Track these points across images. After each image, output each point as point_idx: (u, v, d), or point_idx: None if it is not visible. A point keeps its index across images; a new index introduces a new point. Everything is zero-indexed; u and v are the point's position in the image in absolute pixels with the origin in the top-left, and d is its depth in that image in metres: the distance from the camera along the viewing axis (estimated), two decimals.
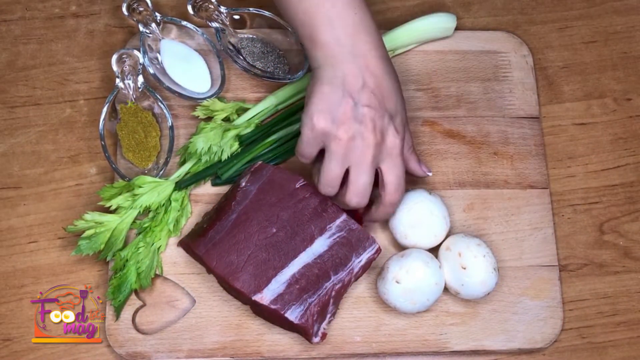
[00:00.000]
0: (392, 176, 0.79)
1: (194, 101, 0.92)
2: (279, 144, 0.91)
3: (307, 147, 0.79)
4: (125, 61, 0.90)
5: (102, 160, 0.91)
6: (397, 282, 0.81)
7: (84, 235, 0.84)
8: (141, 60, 0.90)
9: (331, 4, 0.76)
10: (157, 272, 0.86)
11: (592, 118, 0.96)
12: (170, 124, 0.89)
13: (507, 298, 0.87)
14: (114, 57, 0.90)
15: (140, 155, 0.89)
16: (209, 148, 0.88)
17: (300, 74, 0.93)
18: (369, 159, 0.77)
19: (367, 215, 0.85)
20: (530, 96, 0.96)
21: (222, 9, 0.94)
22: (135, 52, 0.90)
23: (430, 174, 0.86)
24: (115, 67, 0.90)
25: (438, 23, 0.95)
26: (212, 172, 0.90)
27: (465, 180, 0.92)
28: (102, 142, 0.88)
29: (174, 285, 0.87)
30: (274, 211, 0.83)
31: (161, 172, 0.89)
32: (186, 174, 0.89)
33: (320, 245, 0.83)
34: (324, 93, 0.76)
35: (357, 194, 0.78)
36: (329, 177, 0.78)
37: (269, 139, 0.91)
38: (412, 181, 0.91)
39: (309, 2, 0.76)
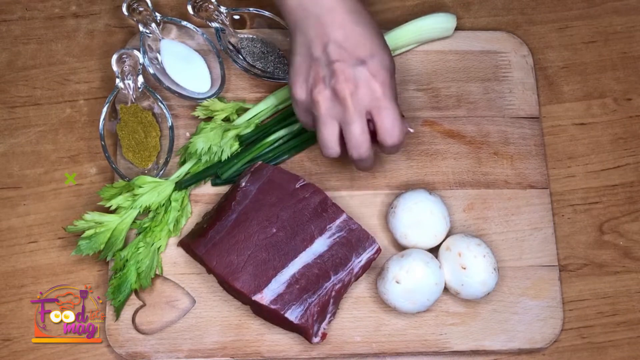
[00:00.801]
0: (381, 119, 0.78)
1: (194, 101, 0.92)
2: (279, 144, 0.91)
3: (301, 118, 0.82)
4: (125, 61, 0.90)
5: (102, 160, 0.91)
6: (397, 282, 0.81)
7: (84, 235, 0.84)
8: (141, 60, 0.90)
9: None
10: (157, 272, 0.86)
11: (592, 118, 0.96)
12: (170, 124, 0.90)
13: (507, 298, 0.87)
14: (114, 57, 0.90)
15: (140, 155, 0.89)
16: (209, 148, 0.88)
17: None
18: (350, 109, 0.76)
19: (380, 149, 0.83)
20: (530, 96, 0.96)
21: (222, 9, 0.94)
22: (135, 52, 0.90)
23: (412, 130, 0.84)
24: (115, 67, 0.90)
25: (438, 23, 0.95)
26: (212, 172, 0.90)
27: (465, 180, 0.92)
28: (102, 142, 0.88)
29: (174, 285, 0.87)
30: (274, 211, 0.83)
31: (161, 172, 0.89)
32: (186, 174, 0.89)
33: (320, 245, 0.83)
34: (296, 63, 0.79)
35: (354, 147, 0.78)
36: (322, 141, 0.79)
37: (269, 139, 0.91)
38: (412, 181, 0.91)
39: None
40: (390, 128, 0.78)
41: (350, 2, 0.78)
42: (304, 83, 0.78)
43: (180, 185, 0.88)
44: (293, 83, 0.79)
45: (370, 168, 0.84)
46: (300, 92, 0.79)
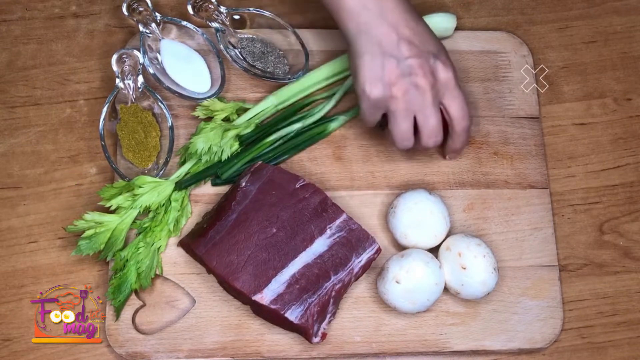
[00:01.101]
0: (455, 106, 0.83)
1: (194, 101, 0.92)
2: (279, 144, 0.91)
3: (369, 116, 0.84)
4: (125, 61, 0.90)
5: (102, 160, 0.91)
6: (397, 282, 0.81)
7: (84, 235, 0.84)
8: (141, 60, 0.90)
9: None
10: (157, 272, 0.86)
11: (592, 118, 0.96)
12: (170, 124, 0.89)
13: (507, 298, 0.87)
14: (114, 57, 0.90)
15: (140, 155, 0.89)
16: (209, 148, 0.88)
17: (300, 74, 0.93)
18: (429, 101, 0.81)
19: (446, 149, 0.89)
20: (530, 96, 0.96)
21: (222, 9, 0.94)
22: (135, 52, 0.90)
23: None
24: (115, 67, 0.90)
25: (438, 23, 0.95)
26: (212, 172, 0.89)
27: (465, 180, 0.92)
28: (102, 142, 0.88)
29: (174, 285, 0.87)
30: (274, 211, 0.83)
31: (161, 172, 0.89)
32: (186, 174, 0.89)
33: (320, 245, 0.83)
34: (366, 62, 0.80)
35: (430, 136, 0.83)
36: (400, 134, 0.83)
37: (269, 139, 0.91)
38: (412, 181, 0.91)
39: None
40: (462, 113, 0.84)
41: (406, 3, 0.82)
42: (378, 81, 0.80)
43: (180, 185, 0.88)
44: (366, 81, 0.80)
45: (464, 147, 0.89)
46: (375, 90, 0.80)
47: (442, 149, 0.91)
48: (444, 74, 0.81)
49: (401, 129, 0.82)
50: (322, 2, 0.83)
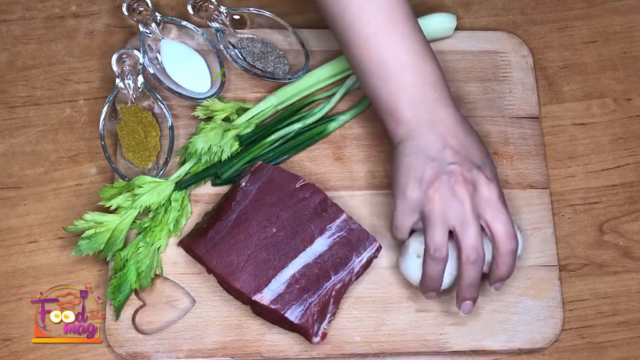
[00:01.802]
0: (498, 224, 0.77)
1: (194, 101, 0.92)
2: (279, 144, 0.91)
3: (403, 218, 0.80)
4: (125, 61, 0.90)
5: (102, 160, 0.91)
6: (418, 256, 0.80)
7: (84, 235, 0.84)
8: (141, 60, 0.90)
9: (413, 85, 0.79)
10: (157, 272, 0.86)
11: (592, 118, 0.96)
12: (170, 124, 0.89)
13: (507, 298, 0.87)
14: (114, 57, 0.90)
15: (140, 155, 0.89)
16: (209, 148, 0.88)
17: (300, 74, 0.93)
18: (469, 211, 0.76)
19: (490, 277, 0.80)
20: (530, 96, 0.96)
21: (222, 9, 0.94)
22: (135, 52, 0.90)
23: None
24: (115, 67, 0.90)
25: (438, 23, 0.95)
26: (212, 172, 0.90)
27: None
28: (102, 142, 0.88)
29: (174, 285, 0.87)
30: (274, 211, 0.83)
31: (161, 172, 0.89)
32: (186, 174, 0.89)
33: (320, 245, 0.83)
34: (408, 163, 0.79)
35: (471, 248, 0.76)
36: (434, 241, 0.77)
37: (269, 139, 0.91)
38: None
39: (394, 83, 0.79)
40: (507, 233, 0.77)
41: (458, 114, 0.81)
42: (416, 180, 0.78)
43: (180, 185, 0.88)
44: (405, 181, 0.78)
45: (510, 274, 0.79)
46: (412, 189, 0.78)
47: (488, 278, 0.81)
48: (486, 187, 0.77)
49: (435, 235, 0.77)
50: (376, 102, 0.81)
